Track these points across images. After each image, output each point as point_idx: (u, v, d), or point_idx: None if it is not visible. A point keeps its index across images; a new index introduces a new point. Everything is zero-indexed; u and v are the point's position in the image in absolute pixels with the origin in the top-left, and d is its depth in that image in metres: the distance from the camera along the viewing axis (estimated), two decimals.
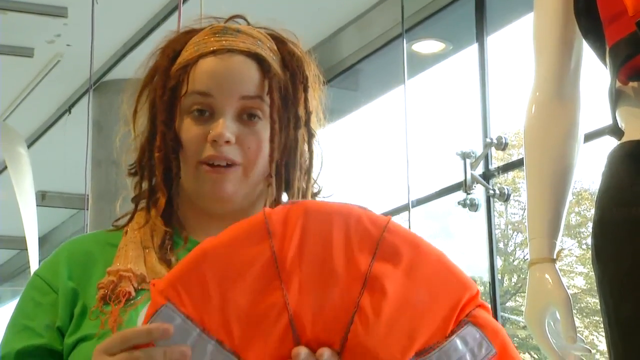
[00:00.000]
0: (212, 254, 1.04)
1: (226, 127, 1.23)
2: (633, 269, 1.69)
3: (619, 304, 1.70)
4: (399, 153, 5.71)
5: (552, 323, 1.86)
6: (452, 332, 1.01)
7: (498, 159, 5.64)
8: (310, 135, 1.33)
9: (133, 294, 1.19)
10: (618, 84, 1.78)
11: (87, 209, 6.21)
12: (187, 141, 1.25)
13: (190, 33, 1.33)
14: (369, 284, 1.00)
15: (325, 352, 0.98)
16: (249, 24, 1.34)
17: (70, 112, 7.69)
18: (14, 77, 7.15)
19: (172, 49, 1.31)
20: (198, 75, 1.25)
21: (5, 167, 6.95)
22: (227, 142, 1.23)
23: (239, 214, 1.27)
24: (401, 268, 1.02)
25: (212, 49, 1.26)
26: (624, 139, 1.78)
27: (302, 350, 0.98)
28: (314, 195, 1.36)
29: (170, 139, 1.26)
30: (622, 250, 1.72)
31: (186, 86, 1.25)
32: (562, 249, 1.89)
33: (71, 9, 6.12)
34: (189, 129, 1.25)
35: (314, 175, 1.36)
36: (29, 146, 7.32)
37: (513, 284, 9.03)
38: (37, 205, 6.58)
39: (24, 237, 6.39)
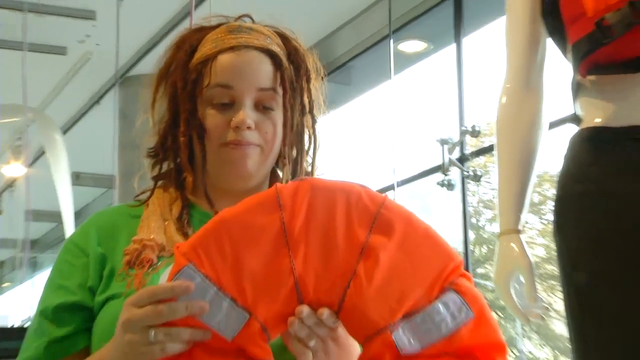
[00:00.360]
0: (228, 222, 1.05)
1: (247, 114, 1.22)
2: (589, 239, 1.68)
3: (576, 272, 1.70)
4: (386, 140, 5.72)
5: (516, 286, 1.88)
6: (436, 298, 1.01)
7: (472, 145, 5.65)
8: (314, 121, 1.33)
9: (155, 260, 1.19)
10: (578, 77, 1.77)
11: (115, 188, 6.25)
12: (211, 127, 1.24)
13: (201, 30, 1.31)
14: (365, 254, 1.02)
15: (325, 312, 1.00)
16: (254, 22, 1.32)
17: (99, 103, 7.74)
18: (50, 73, 7.19)
19: (189, 45, 1.29)
20: (219, 69, 1.24)
21: (44, 152, 6.96)
22: (249, 127, 1.22)
23: (253, 192, 1.26)
24: (394, 240, 1.03)
25: (230, 45, 1.25)
26: (583, 125, 1.77)
27: (305, 309, 1.00)
28: (315, 173, 1.36)
29: (195, 125, 1.25)
30: (580, 223, 1.71)
31: (208, 79, 1.24)
32: (527, 223, 1.89)
33: (99, 13, 6.14)
34: (212, 116, 1.24)
35: (316, 154, 1.36)
36: (63, 133, 7.36)
37: (483, 253, 9.11)
38: (71, 185, 6.60)
39: (61, 212, 6.41)
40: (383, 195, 1.08)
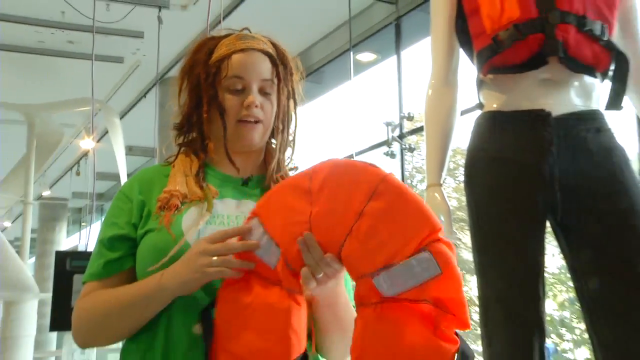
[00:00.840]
0: (276, 190, 1.09)
1: (256, 97, 1.22)
2: (488, 191, 1.69)
3: (480, 215, 1.70)
4: (347, 122, 5.70)
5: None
6: (412, 255, 0.94)
7: (408, 126, 5.62)
8: (295, 104, 1.32)
9: (179, 205, 1.18)
10: (481, 76, 1.77)
11: (156, 157, 6.22)
12: (229, 107, 1.23)
13: (214, 39, 1.29)
14: (361, 216, 0.97)
15: (329, 255, 0.99)
16: (251, 32, 1.31)
17: (145, 97, 7.68)
18: (112, 75, 7.12)
19: (207, 49, 1.27)
20: (234, 65, 1.23)
21: (107, 131, 6.90)
22: (256, 106, 1.22)
23: (254, 153, 1.30)
24: (386, 207, 0.97)
25: (241, 48, 1.24)
26: (484, 110, 1.78)
27: (308, 233, 1.00)
28: (294, 141, 1.35)
29: (216, 105, 1.24)
30: (482, 180, 1.71)
31: (226, 71, 1.23)
32: (445, 180, 1.90)
33: (146, 33, 6.07)
34: (230, 99, 1.23)
35: (296, 128, 1.35)
36: (121, 118, 7.29)
37: None
38: (126, 155, 6.55)
39: (118, 174, 6.37)
40: (388, 172, 1.01)
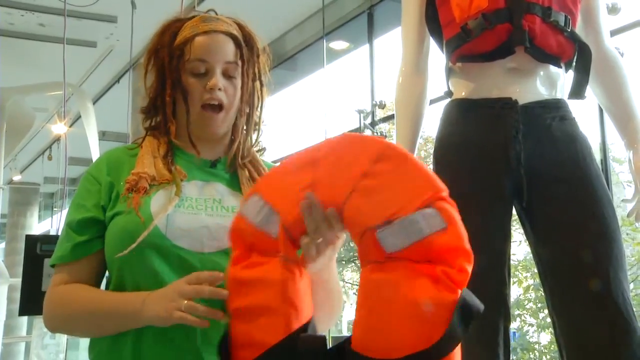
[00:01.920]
0: (282, 165, 1.07)
1: (218, 79, 1.20)
2: (456, 172, 1.70)
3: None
4: (320, 109, 5.70)
5: None
6: (417, 211, 0.92)
7: (380, 114, 5.64)
8: (262, 85, 1.30)
9: (147, 187, 1.16)
10: (450, 64, 1.78)
11: (129, 142, 6.16)
12: (192, 90, 1.20)
13: (179, 21, 1.27)
14: (366, 176, 0.95)
15: (331, 210, 0.95)
16: (217, 14, 1.28)
17: (118, 82, 7.57)
18: (85, 60, 6.99)
19: (171, 31, 1.24)
20: (197, 48, 1.20)
21: (80, 116, 6.80)
22: (219, 89, 1.20)
23: (222, 138, 1.28)
24: (390, 169, 0.96)
25: (204, 30, 1.21)
26: (453, 97, 1.79)
27: (310, 193, 0.97)
28: (257, 124, 1.33)
29: (179, 89, 1.21)
30: (449, 164, 1.73)
31: (189, 54, 1.20)
32: None
33: (119, 17, 5.99)
34: (193, 83, 1.20)
35: (263, 110, 1.32)
36: (94, 102, 7.19)
37: None
38: (99, 140, 6.46)
39: (91, 159, 6.29)
40: (388, 142, 1.02)
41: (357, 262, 7.05)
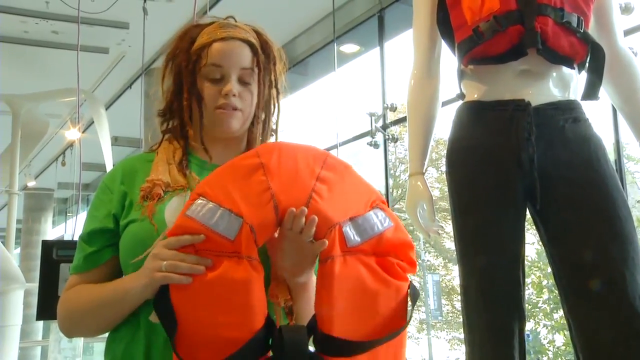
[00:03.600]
0: (224, 168, 1.07)
1: (233, 85, 1.20)
2: (468, 177, 1.70)
3: (460, 203, 1.72)
4: (331, 113, 5.70)
5: (421, 211, 1.87)
6: (369, 211, 1.05)
7: (391, 117, 5.64)
8: (278, 93, 1.30)
9: (162, 194, 1.17)
10: (462, 67, 1.78)
11: (142, 147, 6.19)
12: (207, 95, 1.21)
13: (198, 27, 1.27)
14: (319, 180, 1.03)
15: (303, 208, 1.00)
16: (236, 21, 1.29)
17: (130, 87, 7.62)
18: (97, 66, 7.04)
19: (190, 37, 1.25)
20: (213, 53, 1.20)
21: (93, 122, 6.84)
22: (234, 95, 1.20)
23: (232, 140, 1.28)
24: (338, 175, 1.06)
25: (221, 36, 1.22)
26: (465, 100, 1.78)
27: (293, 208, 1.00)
28: (274, 131, 1.33)
29: (195, 93, 1.22)
30: (462, 167, 1.73)
31: (206, 59, 1.21)
32: (427, 171, 1.90)
33: (131, 24, 6.03)
34: (208, 88, 1.21)
35: (279, 117, 1.33)
36: (106, 108, 7.23)
37: (399, 194, 9.21)
38: (111, 145, 6.49)
39: (104, 164, 6.32)
40: (326, 151, 1.10)
41: None
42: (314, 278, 1.13)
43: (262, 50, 1.25)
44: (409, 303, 1.03)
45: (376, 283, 1.01)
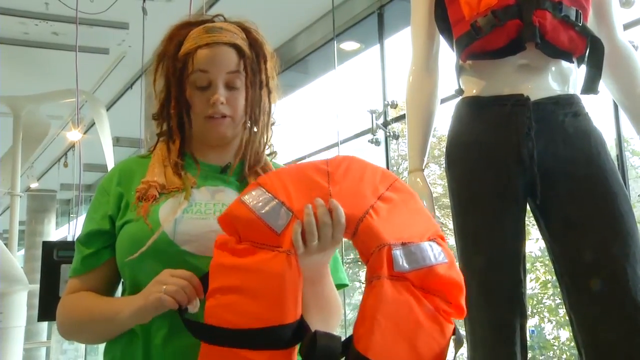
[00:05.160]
0: (290, 168, 1.09)
1: (220, 93, 1.19)
2: (468, 173, 1.69)
3: (460, 199, 1.71)
4: (332, 111, 5.70)
5: None
6: (425, 241, 1.01)
7: (392, 114, 5.62)
8: (269, 92, 1.28)
9: (157, 195, 1.17)
10: (460, 62, 1.77)
11: (142, 147, 6.19)
12: (195, 104, 1.21)
13: (187, 27, 1.26)
14: (381, 199, 1.02)
15: (335, 202, 0.99)
16: (225, 19, 1.28)
17: (131, 88, 7.62)
18: (97, 67, 7.03)
19: (177, 40, 1.24)
20: (199, 59, 1.19)
21: (94, 123, 6.86)
22: (222, 103, 1.19)
23: (229, 145, 1.27)
24: (401, 198, 1.04)
25: (206, 42, 1.20)
26: (464, 96, 1.78)
27: (320, 199, 0.99)
28: (268, 126, 1.32)
29: (183, 102, 1.22)
30: (461, 163, 1.73)
31: (191, 67, 1.20)
32: (429, 164, 1.90)
33: (131, 24, 6.02)
34: (196, 97, 1.21)
35: (272, 114, 1.31)
36: (107, 109, 7.25)
37: None
38: (113, 145, 6.50)
39: (106, 165, 6.34)
40: (397, 176, 1.09)
41: None
42: (328, 273, 1.14)
43: (251, 49, 1.24)
44: (452, 348, 0.97)
45: (423, 316, 0.96)
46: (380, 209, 1.00)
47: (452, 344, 0.97)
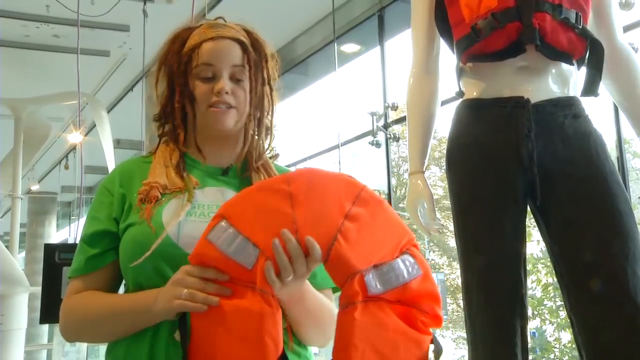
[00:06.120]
0: (250, 191, 1.05)
1: (225, 83, 1.20)
2: (469, 175, 1.70)
3: (461, 200, 1.72)
4: (332, 113, 5.70)
5: (422, 210, 1.87)
6: (397, 257, 1.01)
7: (392, 116, 5.63)
8: (271, 90, 1.30)
9: (160, 197, 1.17)
10: (461, 64, 1.78)
11: (143, 150, 6.20)
12: (199, 94, 1.21)
13: (189, 29, 1.28)
14: (348, 218, 0.99)
15: (310, 239, 0.97)
16: (225, 21, 1.29)
17: (132, 90, 7.63)
18: (98, 69, 7.05)
19: (181, 39, 1.26)
20: (204, 53, 1.21)
21: (95, 125, 6.87)
22: (226, 92, 1.20)
23: (228, 140, 1.27)
24: (370, 213, 1.01)
25: (210, 36, 1.23)
26: (464, 98, 1.79)
27: (287, 231, 0.97)
28: (272, 127, 1.33)
29: (187, 94, 1.22)
30: (462, 165, 1.73)
31: (197, 60, 1.21)
32: (429, 165, 1.90)
33: (132, 26, 6.05)
34: (200, 87, 1.21)
35: (274, 115, 1.32)
36: (108, 111, 7.25)
37: (402, 193, 9.19)
38: (114, 148, 6.51)
39: (107, 167, 6.34)
40: (362, 184, 1.05)
41: None
42: (308, 287, 1.12)
43: (252, 48, 1.25)
44: (432, 358, 0.99)
45: (397, 334, 0.97)
46: (349, 231, 0.98)
47: (431, 355, 0.99)
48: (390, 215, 1.04)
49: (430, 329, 1.01)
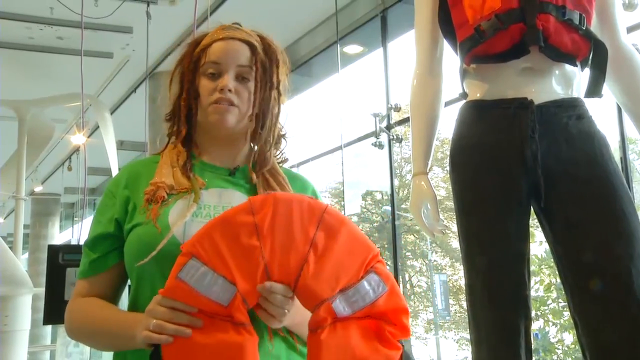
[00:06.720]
0: (217, 224, 1.04)
1: (229, 80, 1.21)
2: (472, 177, 1.70)
3: (464, 201, 1.71)
4: (335, 114, 5.71)
5: (425, 211, 1.87)
6: (362, 277, 1.03)
7: (395, 117, 5.63)
8: (279, 95, 1.30)
9: (166, 197, 1.17)
10: (464, 66, 1.77)
11: (146, 151, 6.21)
12: (203, 91, 1.23)
13: (206, 34, 1.30)
14: (313, 246, 1.02)
15: (279, 287, 1.01)
16: (241, 26, 1.31)
17: (135, 92, 7.65)
18: (101, 71, 7.08)
19: (195, 42, 1.29)
20: (212, 52, 1.23)
21: (98, 126, 6.88)
22: (229, 90, 1.21)
23: (233, 140, 1.28)
24: (333, 237, 1.04)
25: (221, 37, 1.25)
26: (468, 99, 1.79)
27: (267, 283, 1.00)
28: (282, 136, 1.33)
29: (193, 91, 1.24)
30: (465, 166, 1.73)
31: (204, 58, 1.23)
32: (432, 167, 1.90)
33: (135, 28, 6.06)
34: (205, 84, 1.23)
35: (280, 121, 1.32)
36: (111, 113, 7.26)
37: (405, 194, 9.18)
38: (117, 149, 6.52)
39: (110, 168, 6.35)
40: (325, 204, 1.07)
41: None
42: (300, 307, 1.12)
43: (264, 52, 1.26)
44: None
45: (366, 350, 1.00)
46: (314, 259, 1.01)
47: None
48: (353, 233, 1.06)
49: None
